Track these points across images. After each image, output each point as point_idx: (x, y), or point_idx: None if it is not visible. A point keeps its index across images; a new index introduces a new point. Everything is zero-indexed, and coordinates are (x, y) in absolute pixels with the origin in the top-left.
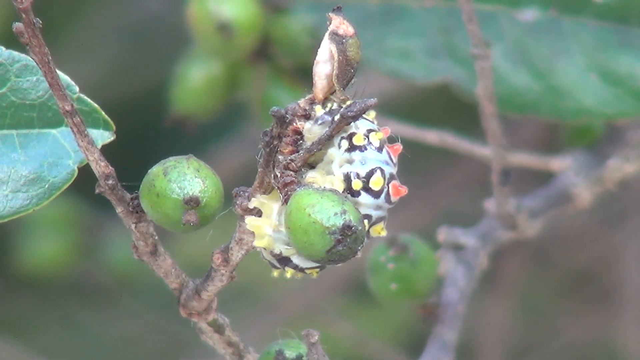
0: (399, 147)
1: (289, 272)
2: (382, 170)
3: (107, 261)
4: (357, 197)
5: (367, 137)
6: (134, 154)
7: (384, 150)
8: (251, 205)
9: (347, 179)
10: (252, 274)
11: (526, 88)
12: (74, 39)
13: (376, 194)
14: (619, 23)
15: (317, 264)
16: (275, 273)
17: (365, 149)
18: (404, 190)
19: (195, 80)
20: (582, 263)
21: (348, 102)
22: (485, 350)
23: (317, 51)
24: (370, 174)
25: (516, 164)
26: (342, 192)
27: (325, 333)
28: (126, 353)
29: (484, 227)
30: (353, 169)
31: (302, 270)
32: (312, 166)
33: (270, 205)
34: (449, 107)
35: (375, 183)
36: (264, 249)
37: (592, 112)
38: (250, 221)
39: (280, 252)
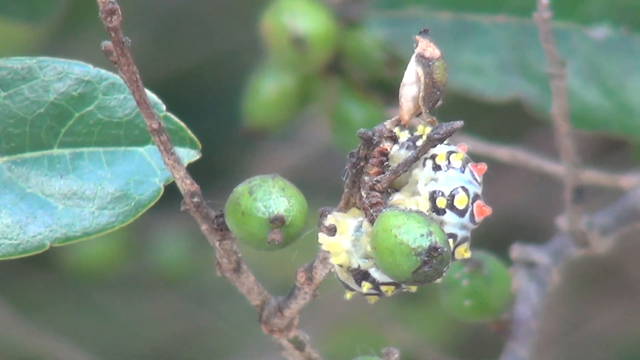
0: (483, 166)
1: (365, 287)
2: (465, 190)
3: (156, 261)
4: (442, 215)
5: (448, 158)
6: None
7: (466, 170)
8: (327, 222)
9: (432, 197)
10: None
11: (597, 105)
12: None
13: (461, 213)
14: None
15: (396, 281)
16: (348, 295)
17: (448, 168)
18: (488, 210)
19: (268, 93)
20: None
21: (435, 125)
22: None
23: (403, 73)
24: (454, 192)
25: (586, 180)
26: (427, 212)
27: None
28: (148, 336)
29: (556, 244)
30: (438, 187)
31: (378, 286)
32: (395, 189)
33: (346, 223)
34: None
35: (460, 201)
36: (340, 266)
37: None
38: (324, 240)
39: (359, 266)
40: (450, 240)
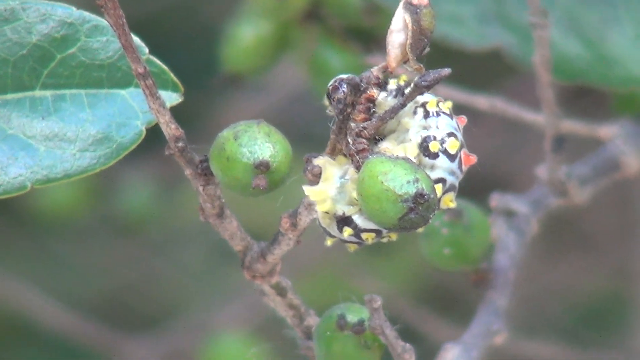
0: (463, 119)
1: (346, 233)
2: (455, 136)
3: (119, 207)
4: (435, 159)
5: (438, 105)
6: None
7: (454, 118)
8: (315, 163)
9: (424, 142)
10: (266, 222)
11: (576, 56)
12: None
13: (452, 158)
14: None
15: (377, 228)
16: (329, 242)
17: (439, 114)
18: (474, 158)
19: (246, 40)
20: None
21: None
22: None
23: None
24: (447, 136)
25: (565, 130)
26: (415, 158)
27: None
28: (102, 283)
29: (535, 193)
30: (430, 133)
31: (360, 232)
32: (381, 137)
33: (332, 169)
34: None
35: (452, 146)
36: (326, 213)
37: None
38: (309, 191)
39: (343, 213)
40: (440, 185)
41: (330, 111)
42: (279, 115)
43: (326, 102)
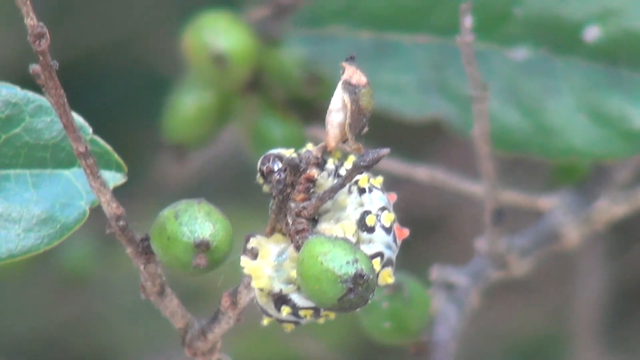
0: (394, 195)
1: (285, 311)
2: (389, 210)
3: (63, 262)
4: (372, 233)
5: (369, 180)
6: None
7: (385, 193)
8: (249, 245)
9: (362, 218)
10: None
11: (515, 127)
12: None
13: (387, 231)
14: (608, 64)
15: (315, 306)
16: (266, 321)
17: (372, 190)
18: (406, 232)
19: (188, 110)
20: None
21: (361, 152)
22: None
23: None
24: (380, 211)
25: (505, 201)
26: (354, 235)
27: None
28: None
29: (475, 265)
30: (366, 208)
31: (298, 311)
32: (317, 216)
33: (268, 248)
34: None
35: (386, 219)
36: (261, 290)
37: (580, 152)
38: (246, 263)
39: (280, 290)
40: (377, 260)
41: (265, 188)
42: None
43: (260, 180)
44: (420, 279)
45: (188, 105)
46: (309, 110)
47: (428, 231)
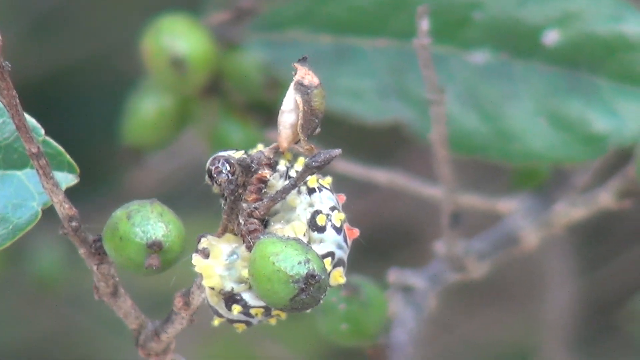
0: (343, 197)
1: (235, 310)
2: (339, 209)
3: (34, 268)
4: (322, 233)
5: (318, 181)
6: None
7: (334, 193)
8: (200, 246)
9: (313, 218)
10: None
11: (475, 131)
12: None
13: (338, 230)
14: (568, 68)
15: (265, 304)
16: (216, 322)
17: (322, 189)
18: (357, 231)
19: (147, 114)
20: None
21: (313, 153)
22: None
23: (282, 97)
24: (331, 210)
25: (464, 204)
26: (305, 234)
27: (251, 353)
28: (18, 334)
29: (433, 268)
30: (317, 208)
31: (249, 309)
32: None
33: (219, 248)
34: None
35: (337, 219)
36: (212, 289)
37: (540, 156)
38: (198, 262)
39: (232, 289)
40: (329, 259)
41: (215, 189)
42: (181, 182)
43: (208, 181)
44: (378, 281)
45: (147, 109)
46: (269, 114)
47: (387, 236)
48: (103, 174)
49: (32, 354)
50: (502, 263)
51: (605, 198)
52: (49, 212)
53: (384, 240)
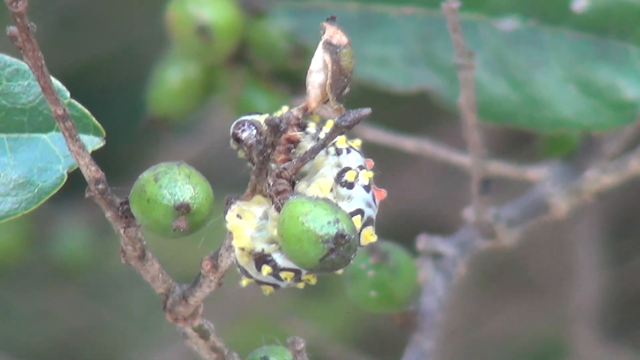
0: (370, 162)
1: (265, 271)
2: (366, 169)
3: (57, 252)
4: (351, 189)
5: (347, 142)
6: None
7: (362, 155)
8: (232, 212)
9: (341, 175)
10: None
11: (504, 97)
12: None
13: (367, 188)
14: (597, 35)
15: (296, 267)
16: (244, 282)
17: (350, 151)
18: (384, 192)
19: (173, 83)
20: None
21: (342, 112)
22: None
23: (309, 63)
24: (359, 169)
25: (493, 172)
26: (331, 192)
27: (280, 330)
28: (46, 330)
29: (463, 235)
30: (345, 165)
31: (278, 271)
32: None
33: (251, 211)
34: (427, 115)
35: (365, 176)
36: (242, 250)
37: (569, 123)
38: (231, 219)
39: (262, 250)
40: (358, 217)
41: (240, 154)
42: (208, 160)
43: (234, 145)
44: (408, 249)
45: (173, 78)
46: (295, 82)
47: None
48: (126, 170)
49: (58, 353)
50: (528, 234)
51: (636, 165)
52: (72, 194)
53: (412, 211)
